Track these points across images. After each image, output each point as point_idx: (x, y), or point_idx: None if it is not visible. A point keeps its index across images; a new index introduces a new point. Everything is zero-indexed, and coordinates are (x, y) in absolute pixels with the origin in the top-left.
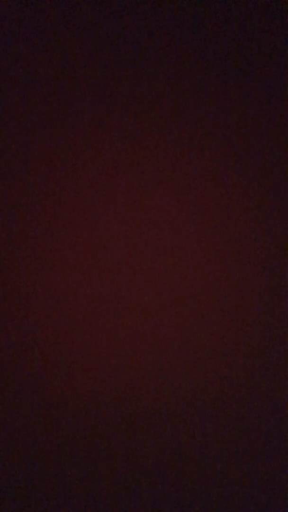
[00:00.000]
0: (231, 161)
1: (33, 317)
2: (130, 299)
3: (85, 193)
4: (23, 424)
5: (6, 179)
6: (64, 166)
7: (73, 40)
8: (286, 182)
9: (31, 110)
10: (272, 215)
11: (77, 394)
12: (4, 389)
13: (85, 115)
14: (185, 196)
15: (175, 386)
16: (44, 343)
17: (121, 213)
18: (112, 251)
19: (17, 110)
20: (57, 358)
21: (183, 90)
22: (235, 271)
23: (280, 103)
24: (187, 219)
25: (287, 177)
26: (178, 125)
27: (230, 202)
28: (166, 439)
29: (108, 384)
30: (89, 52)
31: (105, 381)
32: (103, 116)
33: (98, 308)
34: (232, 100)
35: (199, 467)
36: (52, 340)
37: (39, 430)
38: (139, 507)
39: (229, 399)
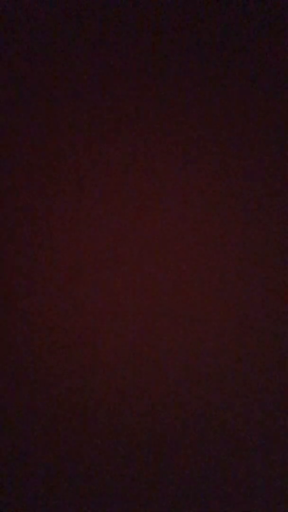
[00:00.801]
0: (233, 160)
1: (32, 316)
2: (131, 299)
3: (85, 192)
4: (22, 422)
5: (6, 179)
6: (64, 166)
7: (73, 42)
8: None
9: (31, 111)
10: (274, 214)
11: (77, 393)
12: (3, 387)
13: (86, 114)
14: (186, 195)
15: (175, 386)
16: (43, 343)
17: (121, 211)
18: (113, 250)
19: (17, 111)
20: (56, 356)
21: (184, 90)
22: (237, 273)
23: (282, 102)
24: (187, 218)
25: None
26: (179, 125)
27: (231, 201)
28: (166, 439)
29: (108, 383)
30: (90, 50)
31: (105, 380)
32: (104, 116)
33: (98, 307)
34: (234, 99)
35: (200, 465)
36: (52, 339)
37: (38, 429)
38: (138, 505)
39: (231, 398)
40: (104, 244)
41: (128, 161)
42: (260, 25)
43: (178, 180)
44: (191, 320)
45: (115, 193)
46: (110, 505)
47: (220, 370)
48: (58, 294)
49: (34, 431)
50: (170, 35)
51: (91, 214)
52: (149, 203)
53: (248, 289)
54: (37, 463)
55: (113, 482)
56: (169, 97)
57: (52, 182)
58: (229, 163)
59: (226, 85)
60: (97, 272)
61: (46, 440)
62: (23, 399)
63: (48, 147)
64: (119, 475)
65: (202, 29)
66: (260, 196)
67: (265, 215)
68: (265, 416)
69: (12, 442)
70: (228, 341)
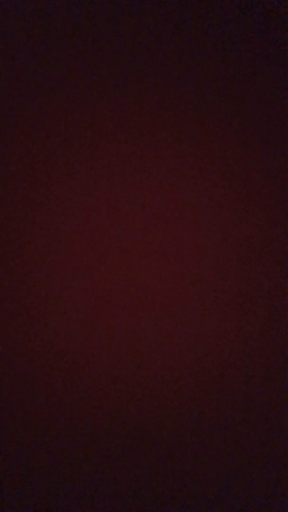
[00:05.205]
0: (232, 161)
1: (33, 313)
2: (131, 297)
3: (85, 191)
4: (22, 420)
5: (6, 180)
6: (64, 166)
7: (73, 44)
8: (287, 178)
9: (31, 112)
10: (273, 212)
11: (77, 389)
12: (3, 386)
13: (85, 114)
14: (185, 194)
15: (174, 384)
16: (43, 341)
17: (121, 211)
18: (113, 248)
19: (17, 112)
20: (56, 354)
21: (183, 88)
22: (235, 270)
23: (281, 103)
24: (187, 217)
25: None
26: (178, 124)
27: (230, 200)
28: (165, 436)
29: (108, 380)
30: (89, 51)
31: (105, 377)
32: (103, 116)
33: (98, 306)
34: (233, 98)
35: (199, 462)
36: (52, 338)
37: (37, 425)
38: (137, 505)
39: (230, 395)
40: (104, 244)
41: (128, 162)
42: (260, 27)
43: (178, 183)
44: (191, 323)
45: (115, 192)
46: (109, 503)
47: (220, 372)
48: (58, 296)
49: (34, 429)
50: (170, 39)
51: (91, 215)
52: (149, 206)
53: (248, 285)
54: (35, 459)
55: (112, 480)
56: (170, 100)
57: (52, 184)
58: (230, 165)
59: (226, 86)
60: (97, 273)
61: (45, 438)
62: (22, 395)
63: (47, 152)
64: (118, 473)
65: (201, 34)
66: (261, 197)
67: (264, 222)
68: (265, 412)
69: (12, 440)
70: (227, 343)
